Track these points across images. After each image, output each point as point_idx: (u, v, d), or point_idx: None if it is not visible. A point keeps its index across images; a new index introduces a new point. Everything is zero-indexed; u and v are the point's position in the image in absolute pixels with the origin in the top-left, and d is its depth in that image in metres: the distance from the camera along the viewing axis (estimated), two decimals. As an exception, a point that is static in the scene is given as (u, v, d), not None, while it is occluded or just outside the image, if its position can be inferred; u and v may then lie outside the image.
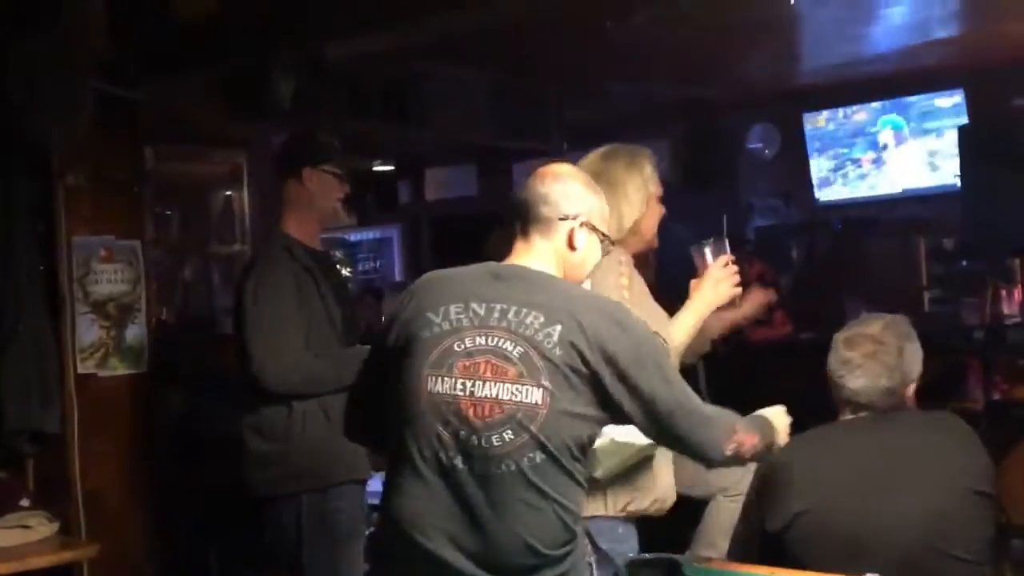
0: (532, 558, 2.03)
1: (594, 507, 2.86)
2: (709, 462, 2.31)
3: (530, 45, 5.42)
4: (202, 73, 4.60)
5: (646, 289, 2.96)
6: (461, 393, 2.06)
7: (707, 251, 2.98)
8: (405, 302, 2.21)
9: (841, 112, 7.02)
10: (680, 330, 2.90)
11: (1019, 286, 6.08)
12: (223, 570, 4.79)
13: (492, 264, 2.23)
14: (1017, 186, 5.59)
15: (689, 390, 2.22)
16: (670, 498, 3.03)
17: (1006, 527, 2.89)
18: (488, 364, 2.06)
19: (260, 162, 5.60)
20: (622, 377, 2.09)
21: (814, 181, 7.18)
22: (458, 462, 2.04)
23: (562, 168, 2.32)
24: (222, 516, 4.57)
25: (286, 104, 4.40)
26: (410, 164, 8.52)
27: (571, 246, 2.24)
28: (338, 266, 4.76)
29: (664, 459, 2.96)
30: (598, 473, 2.78)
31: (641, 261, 3.07)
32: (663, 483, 2.95)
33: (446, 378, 2.08)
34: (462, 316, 2.12)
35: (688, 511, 3.30)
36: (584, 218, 2.24)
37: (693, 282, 2.97)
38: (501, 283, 2.15)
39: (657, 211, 3.08)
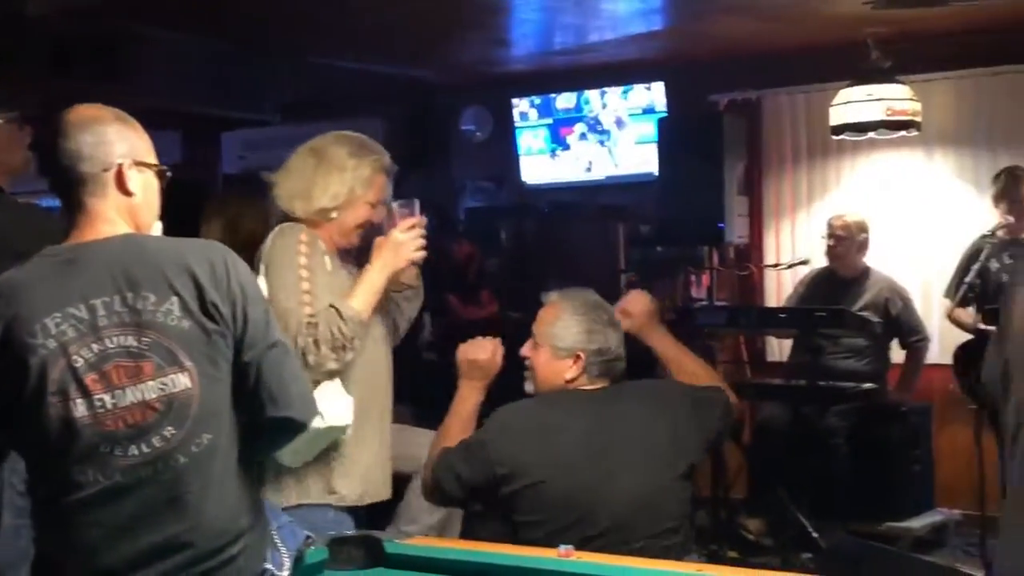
0: (221, 538, 1.95)
1: (299, 494, 2.82)
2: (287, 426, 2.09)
3: (247, 14, 5.27)
4: None
5: (330, 274, 2.89)
6: (102, 410, 1.88)
7: (395, 211, 2.94)
8: None
9: (550, 98, 7.22)
10: (361, 294, 2.85)
11: (708, 272, 6.47)
12: None
13: (57, 250, 1.98)
14: (709, 177, 5.94)
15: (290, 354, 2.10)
16: (384, 480, 3.02)
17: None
18: (119, 369, 1.89)
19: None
20: (240, 317, 1.97)
21: (523, 165, 7.36)
22: (123, 476, 1.89)
23: (82, 114, 2.04)
24: None
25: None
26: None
27: (126, 192, 2.02)
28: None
29: (369, 444, 2.95)
30: (286, 459, 2.72)
31: (343, 254, 3.02)
32: (370, 469, 2.94)
33: (79, 400, 1.88)
34: (64, 327, 1.89)
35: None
36: (129, 158, 2.03)
37: (377, 240, 2.93)
38: (81, 270, 1.92)
39: (364, 214, 2.98)
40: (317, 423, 2.48)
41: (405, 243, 2.89)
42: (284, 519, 2.17)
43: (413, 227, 2.90)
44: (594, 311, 2.89)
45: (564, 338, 2.84)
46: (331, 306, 2.80)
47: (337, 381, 2.83)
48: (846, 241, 5.75)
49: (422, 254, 2.94)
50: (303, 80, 6.65)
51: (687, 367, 3.09)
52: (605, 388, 2.85)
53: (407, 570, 2.19)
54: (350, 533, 2.49)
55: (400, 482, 3.35)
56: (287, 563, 2.03)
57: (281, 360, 2.02)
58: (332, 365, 2.80)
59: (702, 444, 2.85)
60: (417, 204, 2.94)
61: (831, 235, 5.77)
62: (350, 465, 2.89)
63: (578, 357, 2.83)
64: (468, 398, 2.92)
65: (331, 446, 2.84)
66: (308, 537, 2.14)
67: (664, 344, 3.12)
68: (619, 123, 7.04)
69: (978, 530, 4.91)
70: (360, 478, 2.92)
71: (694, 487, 2.85)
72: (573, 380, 2.84)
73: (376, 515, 3.11)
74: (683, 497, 2.75)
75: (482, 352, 2.93)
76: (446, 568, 2.13)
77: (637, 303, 3.18)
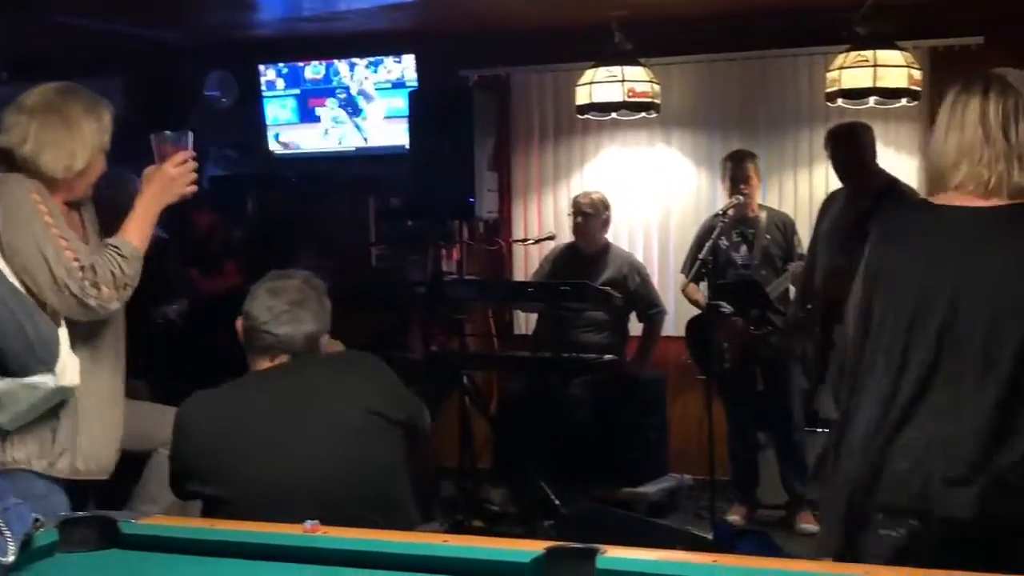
0: None
1: (11, 458, 2.69)
2: None
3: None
4: None
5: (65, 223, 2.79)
6: None
7: (167, 144, 2.86)
8: None
9: (299, 67, 7.08)
10: (135, 230, 2.80)
11: (457, 246, 6.53)
12: None
13: None
14: (460, 152, 5.97)
15: None
16: (107, 457, 2.89)
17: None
18: None
19: None
20: None
21: (270, 133, 7.19)
22: None
23: None
24: None
25: None
26: None
27: None
28: None
29: (94, 415, 2.82)
30: (4, 421, 2.60)
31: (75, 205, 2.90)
32: (94, 443, 2.81)
33: None
34: None
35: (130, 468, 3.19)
36: None
37: (146, 173, 2.85)
38: None
39: (101, 164, 2.89)
40: (45, 381, 2.36)
41: (177, 178, 2.84)
42: (11, 500, 2.04)
43: (185, 161, 2.85)
44: (272, 281, 2.81)
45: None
46: (109, 245, 2.75)
47: (65, 342, 2.69)
48: (592, 218, 5.92)
49: (193, 188, 2.90)
50: (41, 38, 6.27)
51: None
52: (285, 364, 2.74)
53: (144, 550, 2.10)
54: (82, 514, 2.36)
55: (139, 462, 3.23)
56: (12, 547, 1.92)
57: None
58: (115, 305, 2.77)
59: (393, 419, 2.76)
60: (190, 137, 2.87)
61: (578, 212, 5.92)
62: (70, 434, 2.76)
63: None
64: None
65: (51, 411, 2.71)
66: (37, 520, 2.03)
67: None
68: (369, 95, 6.98)
69: (708, 493, 5.17)
70: (81, 451, 2.79)
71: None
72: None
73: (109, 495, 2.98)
74: (390, 463, 2.71)
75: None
76: (184, 547, 2.06)
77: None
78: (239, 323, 2.75)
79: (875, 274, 2.26)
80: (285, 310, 2.70)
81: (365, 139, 7.03)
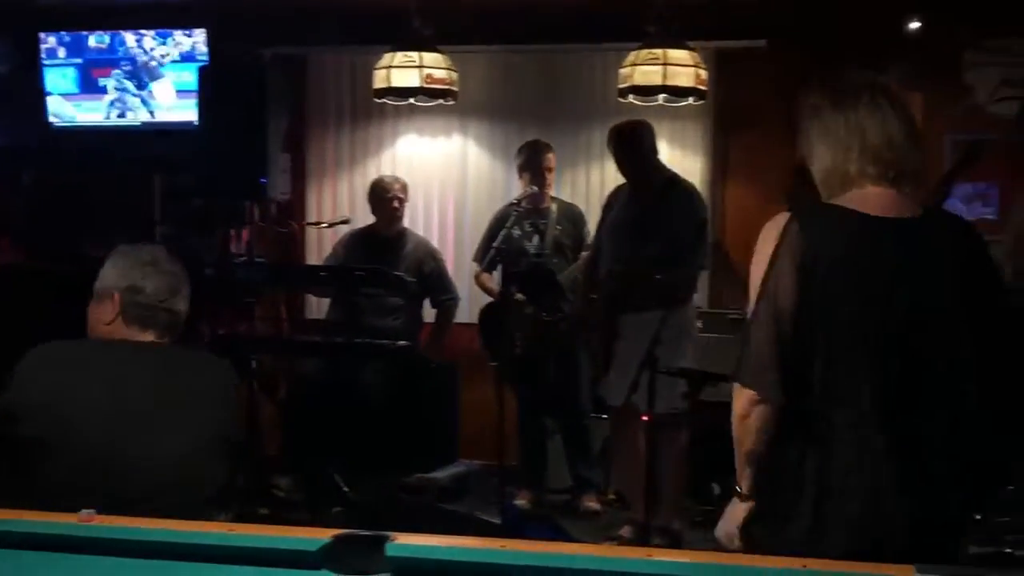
0: None
1: None
2: None
3: None
4: None
5: None
6: None
7: None
8: None
9: (82, 36, 6.75)
10: None
11: (249, 227, 6.38)
12: None
13: None
14: (253, 131, 5.82)
15: None
16: None
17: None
18: None
19: None
20: None
21: (51, 105, 6.84)
22: None
23: None
24: None
25: None
26: None
27: None
28: None
29: None
30: None
31: None
32: None
33: None
34: None
35: None
36: None
37: None
38: None
39: None
40: None
41: None
42: None
43: None
44: (136, 252, 2.78)
45: (102, 279, 2.76)
46: None
47: None
48: (404, 203, 5.90)
49: None
50: None
51: None
52: (140, 343, 2.72)
53: None
54: None
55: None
56: None
57: None
58: None
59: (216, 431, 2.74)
60: None
61: (393, 197, 5.86)
62: None
63: (113, 297, 2.72)
64: None
65: None
66: None
67: None
68: (158, 69, 6.73)
69: (497, 479, 5.23)
70: None
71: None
72: (110, 324, 2.72)
73: None
74: (203, 463, 2.66)
75: None
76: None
77: None
78: (116, 295, 2.70)
79: (806, 275, 2.24)
80: (177, 289, 2.73)
81: (152, 113, 6.77)
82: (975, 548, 4.46)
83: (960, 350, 2.24)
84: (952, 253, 2.27)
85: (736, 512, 2.36)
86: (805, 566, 1.79)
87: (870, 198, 2.29)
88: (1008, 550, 4.37)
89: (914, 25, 5.79)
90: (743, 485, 2.33)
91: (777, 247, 2.25)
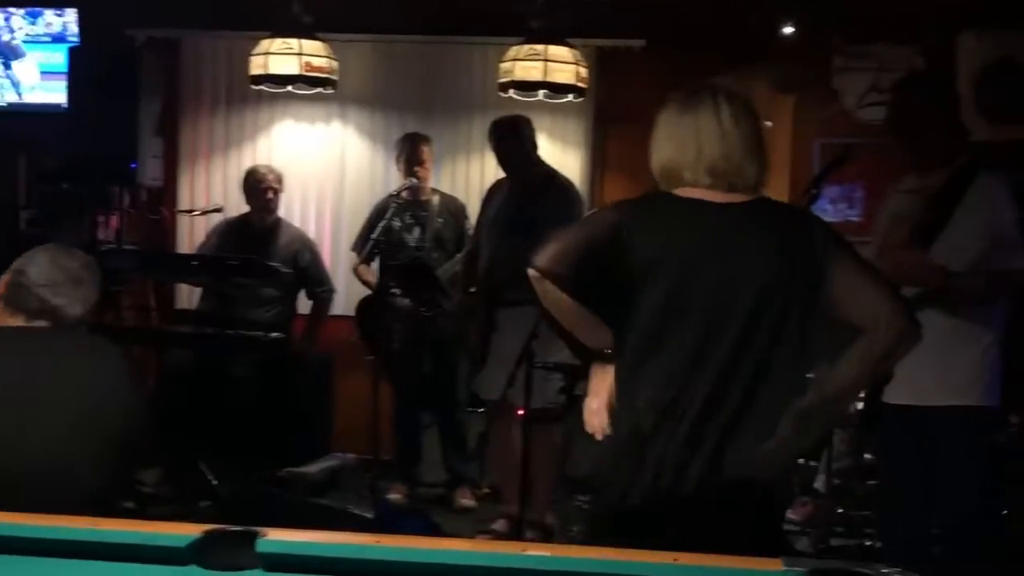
0: None
1: None
2: None
3: None
4: None
5: None
6: None
7: None
8: None
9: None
10: None
11: (118, 213, 6.20)
12: None
13: None
14: (123, 115, 5.68)
15: None
16: None
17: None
18: None
19: None
20: None
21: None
22: None
23: None
24: None
25: None
26: None
27: None
28: None
29: None
30: None
31: None
32: None
33: None
34: None
35: None
36: None
37: None
38: None
39: None
40: None
41: None
42: None
43: None
44: (54, 248, 2.79)
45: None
46: None
47: None
48: (279, 194, 5.81)
49: None
50: None
51: None
52: (31, 328, 2.66)
53: None
54: None
55: None
56: None
57: None
58: None
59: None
60: None
61: (268, 188, 5.76)
62: None
63: (6, 279, 2.70)
64: None
65: None
66: None
67: None
68: (24, 48, 6.50)
69: (371, 472, 5.20)
70: None
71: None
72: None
73: None
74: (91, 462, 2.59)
75: None
76: None
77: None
78: (8, 276, 2.68)
79: (648, 265, 2.31)
80: (62, 286, 2.68)
81: (19, 94, 6.54)
82: (836, 541, 4.62)
83: (781, 325, 2.30)
84: (773, 232, 2.34)
85: (607, 375, 2.44)
86: (676, 560, 1.82)
87: (704, 193, 2.37)
88: (868, 543, 4.53)
89: (787, 30, 5.93)
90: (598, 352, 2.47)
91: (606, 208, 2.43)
